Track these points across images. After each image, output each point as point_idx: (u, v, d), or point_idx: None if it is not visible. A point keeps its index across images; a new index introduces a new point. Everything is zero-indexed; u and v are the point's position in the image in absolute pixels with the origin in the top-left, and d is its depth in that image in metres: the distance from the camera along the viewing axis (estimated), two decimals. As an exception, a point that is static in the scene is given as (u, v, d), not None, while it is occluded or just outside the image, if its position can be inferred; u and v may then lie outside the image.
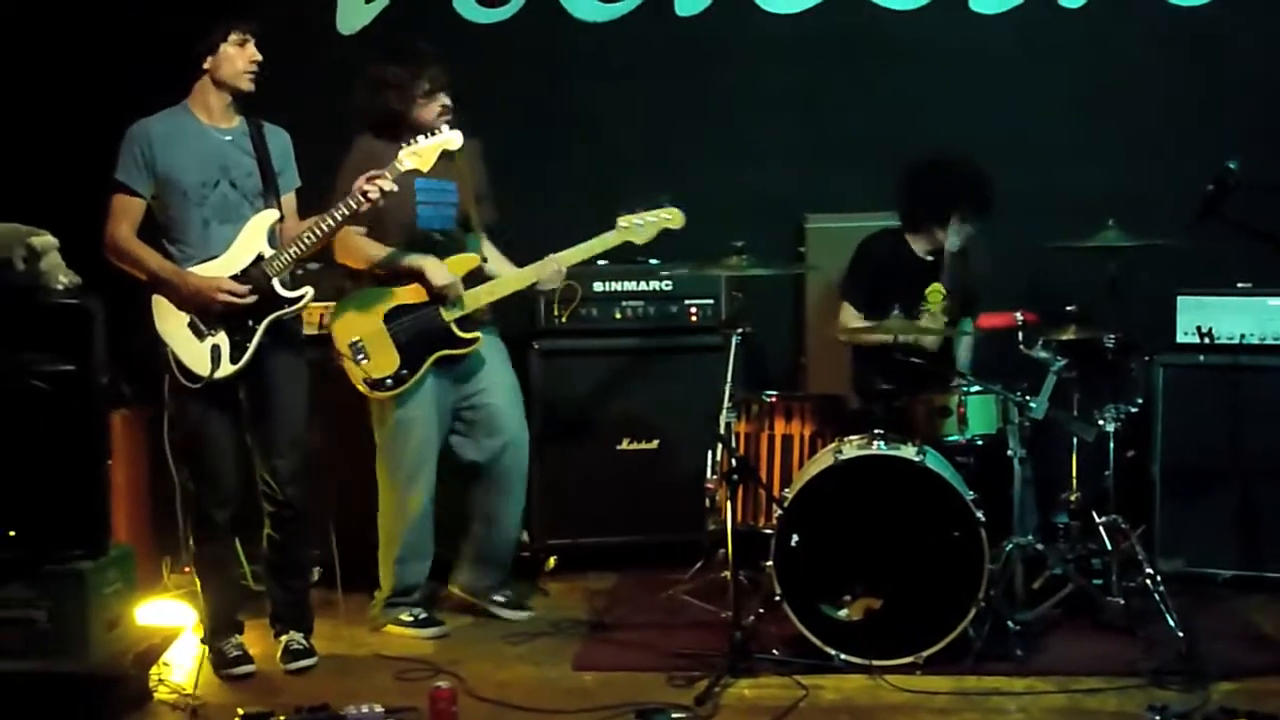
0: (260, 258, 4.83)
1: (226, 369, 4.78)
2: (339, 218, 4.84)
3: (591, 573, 6.12)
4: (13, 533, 4.50)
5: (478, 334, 5.39)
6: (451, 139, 5.00)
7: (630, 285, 6.18)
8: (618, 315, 6.20)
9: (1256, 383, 5.72)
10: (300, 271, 5.10)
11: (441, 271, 5.28)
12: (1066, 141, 6.55)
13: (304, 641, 5.09)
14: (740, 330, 5.45)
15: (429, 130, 5.06)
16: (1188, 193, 5.05)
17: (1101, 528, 5.37)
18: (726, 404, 5.32)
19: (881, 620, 4.87)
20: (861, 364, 5.88)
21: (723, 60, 6.75)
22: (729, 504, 5.11)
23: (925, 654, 4.82)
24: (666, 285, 6.19)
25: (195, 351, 4.77)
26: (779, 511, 4.96)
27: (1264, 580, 5.68)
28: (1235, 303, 5.85)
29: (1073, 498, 5.50)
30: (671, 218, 5.36)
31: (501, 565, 5.65)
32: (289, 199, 5.03)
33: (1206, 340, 5.82)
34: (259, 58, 4.84)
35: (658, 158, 6.63)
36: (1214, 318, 5.83)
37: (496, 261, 5.55)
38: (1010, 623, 5.00)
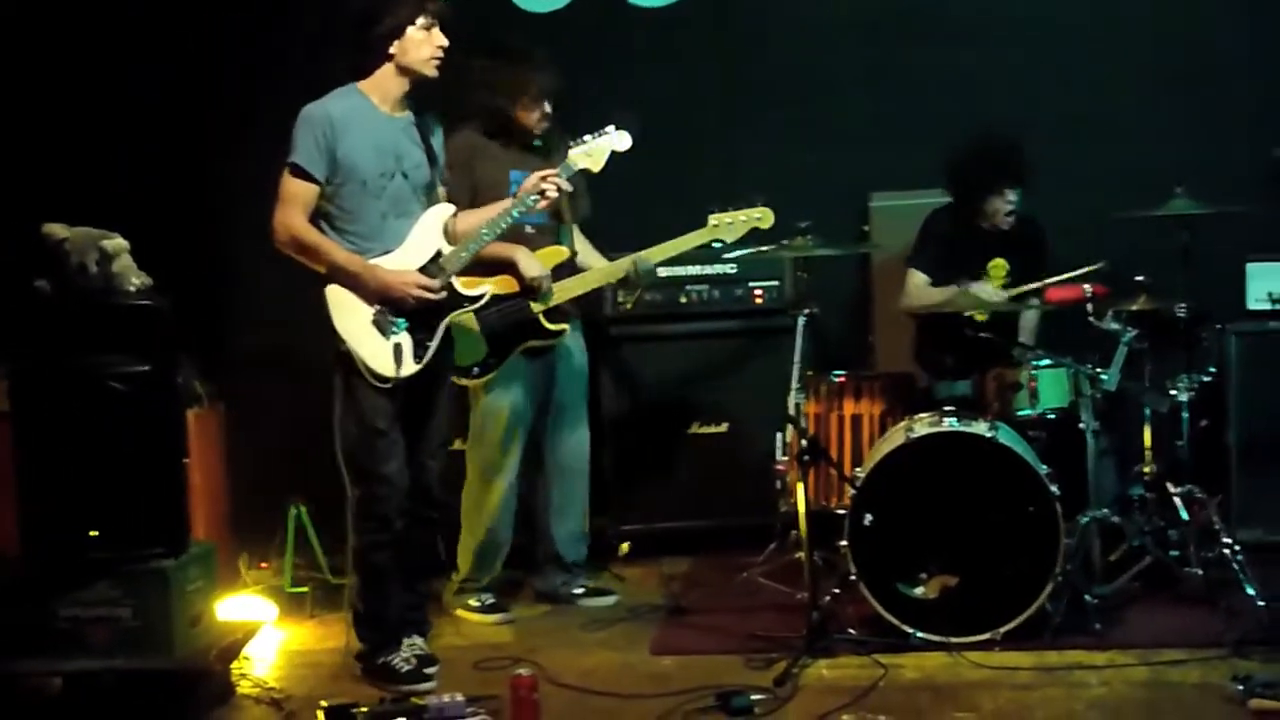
0: (439, 254, 4.73)
1: (410, 368, 4.63)
2: (514, 216, 4.80)
3: (666, 557, 6.12)
4: (95, 533, 4.55)
5: (565, 325, 5.43)
6: (620, 140, 4.94)
7: (695, 269, 6.17)
8: (683, 300, 6.19)
9: (1329, 347, 5.64)
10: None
11: (533, 263, 5.30)
12: (1134, 111, 6.46)
13: (426, 647, 4.90)
14: (807, 311, 5.43)
15: (529, 132, 5.26)
16: (1256, 159, 4.99)
17: (1177, 499, 5.31)
18: (795, 385, 5.31)
19: (958, 597, 4.85)
20: (927, 340, 5.86)
21: (783, 41, 6.71)
22: (801, 485, 5.09)
23: (1003, 630, 4.80)
24: (731, 268, 6.17)
25: (380, 350, 4.61)
26: (852, 491, 4.95)
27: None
28: (1307, 268, 5.76)
29: (1148, 469, 5.43)
30: (763, 217, 5.35)
31: (575, 559, 5.67)
32: (444, 191, 4.95)
33: (1278, 307, 5.75)
34: (445, 42, 4.67)
35: (720, 141, 6.62)
36: (1286, 284, 5.75)
37: (587, 255, 5.58)
38: (1088, 596, 4.97)
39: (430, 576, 5.19)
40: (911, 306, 5.81)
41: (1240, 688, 4.25)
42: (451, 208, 4.84)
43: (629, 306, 6.14)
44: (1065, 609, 4.89)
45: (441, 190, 4.90)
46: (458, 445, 5.52)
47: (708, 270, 6.18)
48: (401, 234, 4.70)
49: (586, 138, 4.92)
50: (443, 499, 4.98)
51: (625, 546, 6.21)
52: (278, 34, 6.58)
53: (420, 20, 4.61)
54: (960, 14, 6.61)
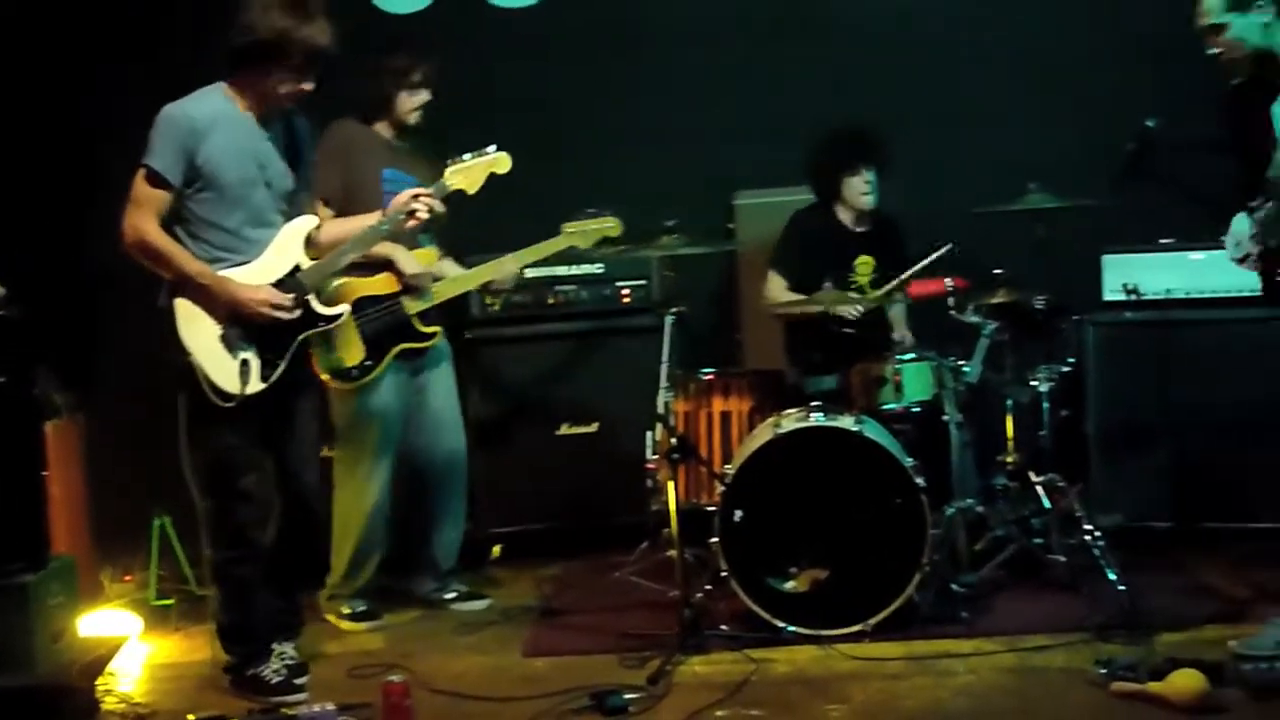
0: (298, 268, 4.57)
1: (256, 386, 4.48)
2: (381, 232, 4.68)
3: (538, 559, 6.11)
4: (-49, 549, 4.42)
5: (438, 328, 5.39)
6: (499, 160, 4.82)
7: (562, 270, 6.16)
8: (551, 300, 6.19)
9: (1183, 336, 5.78)
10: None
11: (412, 262, 5.27)
12: (989, 108, 6.57)
13: (297, 655, 4.80)
14: (674, 310, 5.50)
15: (404, 122, 5.24)
16: (1111, 153, 5.10)
17: (1039, 487, 5.42)
18: (664, 383, 5.37)
19: (828, 590, 4.90)
20: (796, 338, 5.91)
21: (648, 41, 6.74)
22: (671, 483, 5.11)
23: (873, 621, 4.85)
24: (598, 268, 6.18)
25: (225, 366, 4.45)
26: (721, 488, 4.98)
27: (1200, 531, 5.74)
28: (1160, 259, 5.91)
29: (1010, 459, 5.54)
30: (613, 226, 5.36)
31: (448, 565, 5.64)
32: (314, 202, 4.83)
33: (1133, 297, 5.89)
34: (309, 87, 4.51)
35: (585, 142, 6.61)
36: (1140, 274, 5.89)
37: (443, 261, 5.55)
38: (955, 586, 5.06)
39: (306, 584, 5.12)
40: (769, 309, 5.86)
41: (1103, 671, 4.34)
42: (314, 220, 4.69)
43: (497, 308, 6.13)
44: (933, 599, 4.97)
45: (310, 199, 4.80)
46: (325, 452, 5.45)
47: (575, 271, 6.18)
48: (260, 245, 4.55)
49: (465, 156, 4.80)
50: (319, 507, 4.91)
51: (497, 550, 6.19)
52: (148, 33, 6.45)
53: (297, 59, 4.42)
54: (822, 12, 6.68)
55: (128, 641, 5.09)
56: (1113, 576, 5.06)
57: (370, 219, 4.76)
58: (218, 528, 4.62)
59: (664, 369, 5.37)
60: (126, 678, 4.99)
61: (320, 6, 4.46)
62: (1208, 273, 5.83)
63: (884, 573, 4.87)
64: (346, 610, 5.46)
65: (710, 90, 6.72)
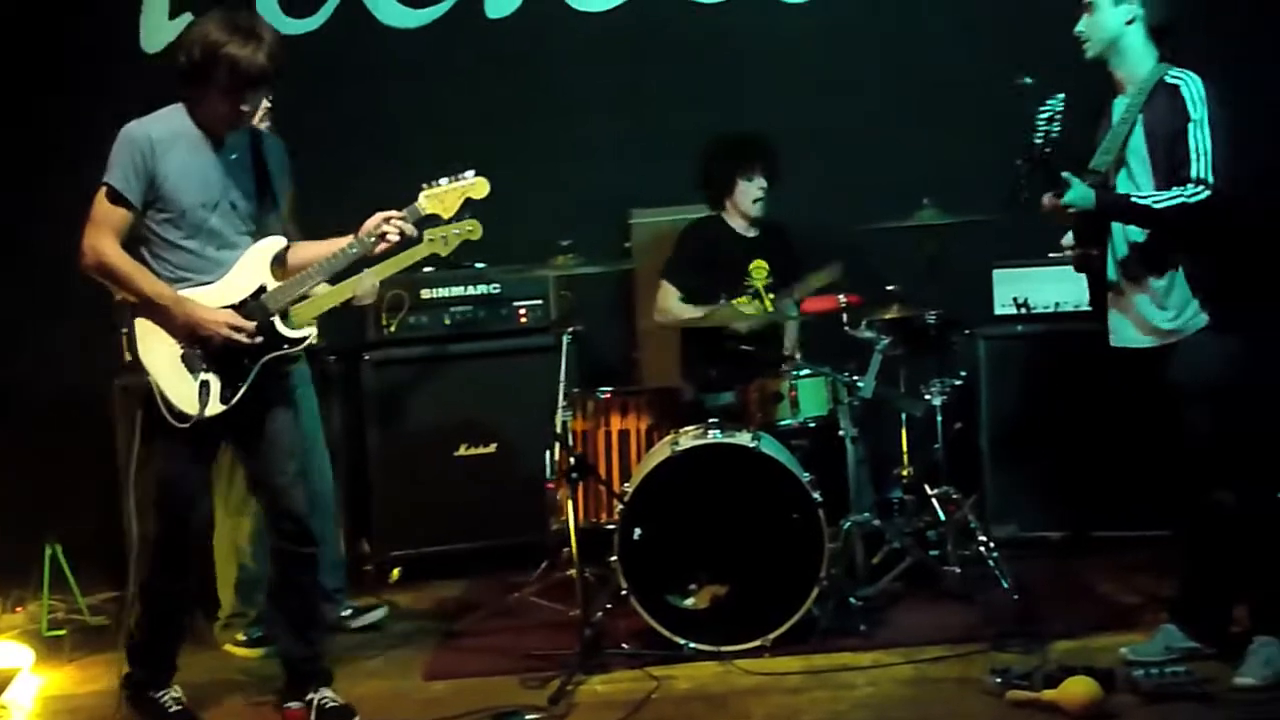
0: (262, 289, 4.46)
1: (216, 408, 4.34)
2: (351, 254, 4.53)
3: (438, 581, 6.08)
4: None
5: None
6: (476, 185, 4.72)
7: (458, 290, 6.16)
8: (447, 321, 6.16)
9: (1073, 348, 5.83)
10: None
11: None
12: (883, 124, 6.66)
13: (338, 698, 4.59)
14: (571, 329, 5.50)
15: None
16: (1001, 168, 5.16)
17: (934, 499, 5.52)
18: (562, 403, 5.36)
19: (728, 606, 4.92)
20: (692, 354, 5.95)
21: (538, 61, 6.77)
22: (570, 502, 5.13)
23: (772, 636, 4.88)
24: (495, 288, 6.19)
25: (184, 387, 4.33)
26: (620, 506, 4.99)
27: (1090, 539, 5.85)
28: (1048, 272, 6.01)
29: (905, 472, 5.64)
30: (473, 229, 5.30)
31: (337, 586, 5.58)
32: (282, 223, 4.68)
33: (1024, 310, 6.01)
34: (247, 108, 4.39)
35: (479, 162, 6.56)
36: (1029, 288, 6.03)
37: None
38: (853, 599, 5.11)
39: (320, 619, 4.91)
40: (661, 322, 5.90)
41: (998, 680, 4.40)
42: (282, 241, 4.56)
43: (392, 330, 6.11)
44: (832, 612, 5.01)
45: (281, 221, 4.67)
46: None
47: (472, 291, 6.18)
48: (225, 266, 4.45)
49: (441, 181, 4.69)
50: (317, 531, 4.70)
51: (396, 572, 6.15)
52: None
53: (224, 79, 4.30)
54: (716, 30, 6.75)
55: (20, 673, 5.00)
56: (1006, 586, 5.16)
57: (341, 242, 4.60)
58: (153, 550, 4.50)
59: (561, 388, 5.37)
60: (19, 711, 4.90)
61: (264, 29, 4.37)
62: (1095, 286, 5.93)
63: (782, 587, 4.90)
64: (242, 637, 5.40)
65: (604, 109, 6.77)
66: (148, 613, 4.59)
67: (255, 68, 4.29)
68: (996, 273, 6.09)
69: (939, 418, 5.56)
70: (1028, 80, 4.51)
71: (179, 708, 4.59)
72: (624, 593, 4.93)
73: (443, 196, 4.65)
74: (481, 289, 6.17)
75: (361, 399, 5.96)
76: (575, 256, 5.48)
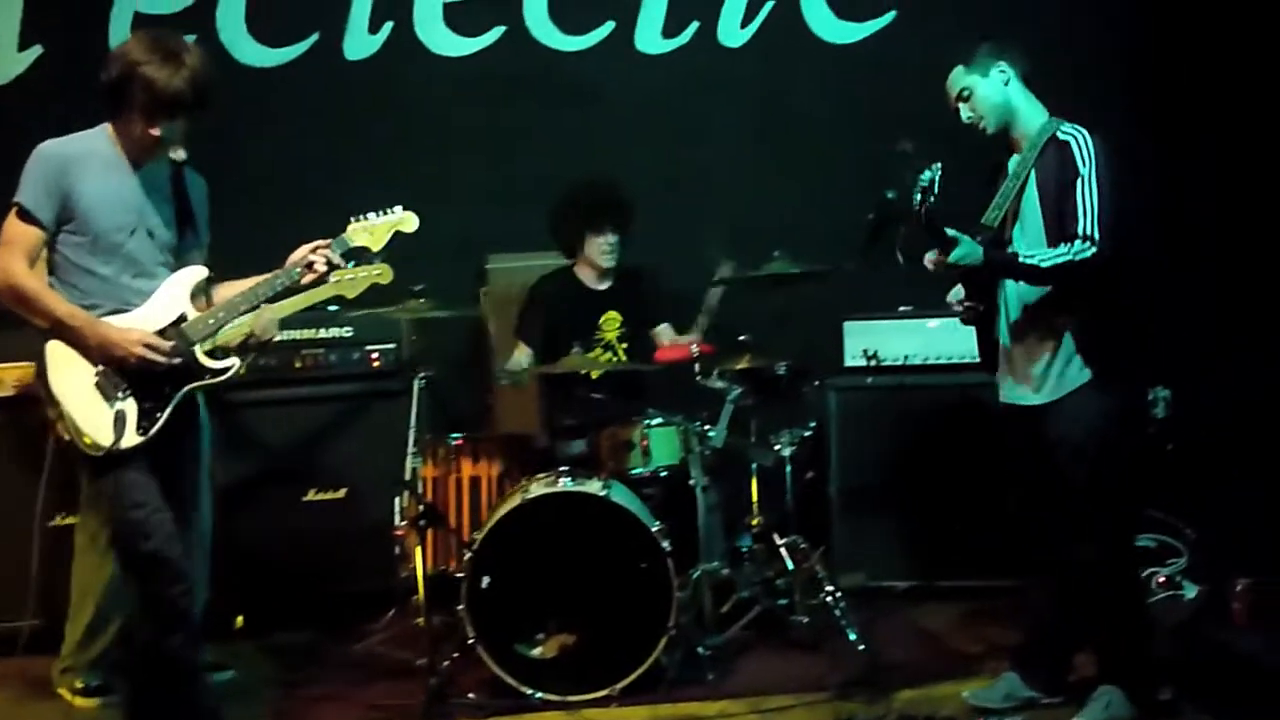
0: (183, 318, 4.32)
1: (131, 439, 4.15)
2: (277, 287, 4.43)
3: (282, 628, 5.96)
4: None
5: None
6: (405, 219, 4.68)
7: (309, 332, 6.07)
8: (298, 364, 6.07)
9: (920, 401, 6.02)
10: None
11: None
12: (735, 176, 6.79)
13: None
14: (423, 373, 5.47)
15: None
16: (853, 220, 5.25)
17: (784, 549, 5.56)
18: (411, 449, 5.32)
19: (576, 655, 4.92)
20: (547, 401, 5.95)
21: (396, 103, 6.76)
22: (418, 550, 5.09)
23: (620, 685, 4.88)
24: (347, 331, 6.10)
25: (96, 416, 4.15)
26: (468, 554, 4.96)
27: (936, 589, 5.95)
28: (898, 325, 6.15)
29: (755, 521, 5.67)
30: (382, 273, 5.27)
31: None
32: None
33: (873, 363, 6.12)
34: (157, 133, 4.23)
35: (334, 204, 6.49)
36: (880, 341, 6.13)
37: None
38: (701, 648, 5.13)
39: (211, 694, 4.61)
40: (503, 381, 5.93)
41: (843, 729, 4.46)
42: (204, 271, 4.44)
43: (242, 372, 5.97)
44: (680, 661, 5.03)
45: (203, 258, 4.53)
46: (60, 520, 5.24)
47: (323, 334, 6.09)
48: (144, 295, 4.30)
49: (370, 215, 4.67)
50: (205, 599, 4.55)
51: (240, 620, 6.02)
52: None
53: (141, 98, 4.18)
54: (568, 81, 6.82)
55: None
56: (853, 636, 5.21)
57: (268, 275, 4.49)
58: (138, 603, 4.26)
59: (412, 433, 5.33)
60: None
61: (189, 54, 4.22)
62: (943, 340, 6.08)
63: (631, 636, 4.91)
64: (80, 684, 5.24)
65: (462, 153, 6.78)
66: (156, 679, 4.29)
67: (170, 91, 4.16)
68: (847, 325, 6.19)
69: (789, 467, 5.61)
70: (908, 147, 4.59)
71: None
72: (471, 642, 4.90)
73: (372, 229, 4.64)
74: (333, 331, 6.09)
75: (212, 441, 5.82)
76: (429, 300, 5.45)
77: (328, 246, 4.50)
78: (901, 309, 6.17)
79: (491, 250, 6.57)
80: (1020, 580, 4.80)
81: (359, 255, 4.70)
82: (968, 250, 4.36)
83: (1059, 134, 4.43)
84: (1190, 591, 5.58)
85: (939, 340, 6.10)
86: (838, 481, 6.09)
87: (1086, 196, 4.31)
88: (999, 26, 4.72)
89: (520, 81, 6.80)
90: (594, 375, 5.72)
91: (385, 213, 4.69)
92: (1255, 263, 6.27)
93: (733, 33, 6.87)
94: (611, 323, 5.92)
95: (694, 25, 6.85)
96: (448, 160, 6.73)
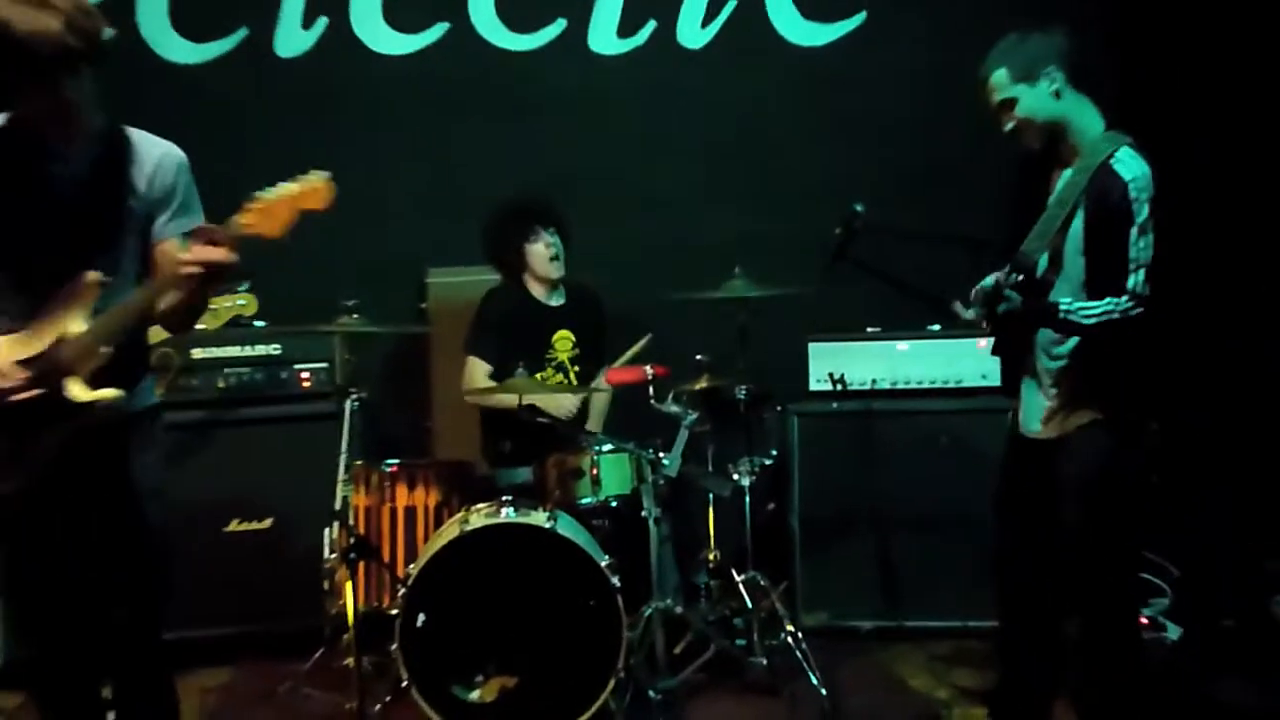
0: (61, 340, 3.73)
1: None
2: (152, 293, 3.78)
3: (203, 668, 5.86)
4: None
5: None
6: (309, 192, 3.81)
7: (234, 350, 6.01)
8: (221, 384, 6.01)
9: (889, 428, 6.00)
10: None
11: None
12: (692, 187, 6.79)
13: None
14: (356, 395, 5.41)
15: None
16: (816, 237, 5.23)
17: (742, 585, 5.54)
18: (343, 476, 5.27)
19: (517, 699, 4.88)
20: (490, 426, 5.91)
21: (331, 104, 6.72)
22: (349, 585, 5.04)
23: (565, 731, 4.84)
24: (275, 349, 6.05)
25: None
26: (403, 590, 4.92)
27: (903, 630, 5.93)
28: (866, 348, 6.14)
29: (712, 556, 5.66)
30: (246, 303, 5.19)
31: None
32: (169, 247, 3.89)
33: (839, 387, 6.10)
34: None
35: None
36: (846, 364, 6.11)
37: None
38: (652, 691, 5.09)
39: None
40: (473, 400, 5.83)
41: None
42: (97, 276, 3.75)
43: (159, 393, 5.91)
44: (629, 706, 5.00)
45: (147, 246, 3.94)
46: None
47: (249, 352, 6.03)
48: (37, 310, 3.75)
49: (268, 191, 3.80)
50: (150, 663, 4.27)
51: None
52: None
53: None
54: (517, 83, 6.79)
55: None
56: (815, 680, 5.18)
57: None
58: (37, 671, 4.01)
59: (343, 459, 5.28)
60: None
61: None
62: (914, 363, 6.09)
63: (577, 679, 4.88)
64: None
65: (403, 159, 6.75)
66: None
67: (45, 39, 3.59)
68: (812, 346, 6.16)
69: (748, 498, 5.58)
70: (858, 208, 4.56)
71: None
72: (405, 684, 4.84)
73: (269, 209, 3.72)
74: (259, 349, 6.03)
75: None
76: (364, 317, 5.41)
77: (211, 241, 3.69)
78: (870, 330, 6.17)
79: (432, 263, 6.53)
80: (997, 621, 4.71)
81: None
82: (1010, 303, 4.21)
83: (1115, 164, 4.18)
84: (1174, 633, 5.59)
85: (909, 363, 6.10)
86: (800, 513, 6.06)
87: (1140, 248, 4.13)
88: (975, 29, 4.64)
89: (465, 83, 6.76)
90: (563, 416, 5.69)
91: (291, 182, 3.83)
92: (1243, 274, 6.25)
93: (693, 33, 6.86)
94: (564, 342, 5.88)
95: (651, 25, 6.84)
96: (386, 166, 6.70)
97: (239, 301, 5.00)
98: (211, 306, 4.65)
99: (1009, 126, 4.32)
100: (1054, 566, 4.39)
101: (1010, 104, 4.28)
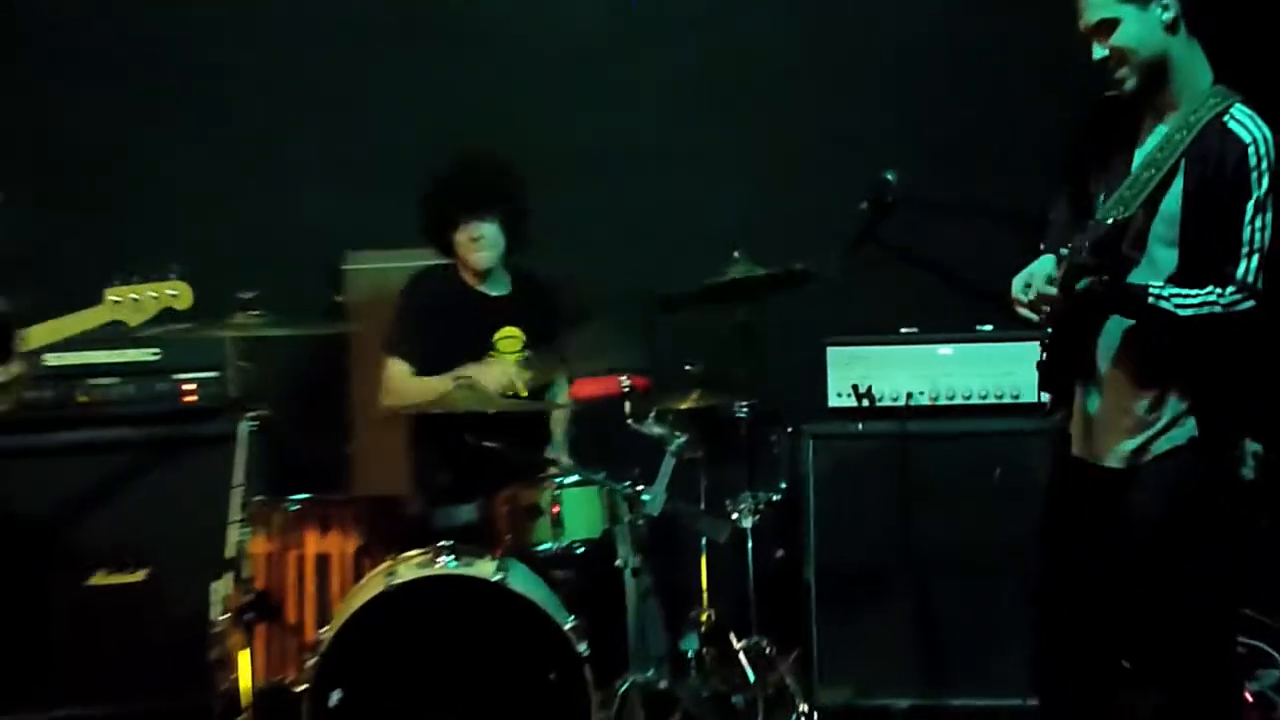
0: None
1: None
2: None
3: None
4: None
5: None
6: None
7: (98, 356, 5.97)
8: (81, 399, 5.97)
9: (929, 454, 5.95)
10: None
11: None
12: (681, 146, 6.76)
13: None
14: (254, 413, 5.34)
15: None
16: (837, 213, 5.18)
17: (743, 654, 5.53)
18: (237, 515, 5.20)
19: (458, 796, 4.86)
20: (422, 452, 5.85)
21: (227, 53, 6.68)
22: (245, 653, 5.02)
23: (517, 837, 4.82)
24: (151, 354, 6.01)
25: None
26: (313, 660, 4.86)
27: (948, 710, 5.89)
28: (899, 353, 6.10)
29: (705, 616, 5.65)
30: (179, 294, 5.16)
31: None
32: None
33: (866, 403, 6.04)
34: None
35: (147, 182, 6.48)
36: (874, 373, 6.07)
37: None
38: (628, 789, 5.06)
39: None
40: (395, 405, 5.75)
41: None
42: None
43: (5, 408, 5.86)
44: (600, 806, 4.96)
45: None
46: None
47: (117, 358, 6.00)
48: None
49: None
50: None
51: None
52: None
53: None
54: (471, 24, 6.79)
55: None
56: (836, 774, 5.15)
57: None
58: None
59: (237, 494, 5.21)
60: None
61: None
62: (959, 372, 6.06)
63: (533, 771, 4.85)
64: None
65: (314, 117, 6.73)
66: None
67: None
68: (831, 351, 6.12)
69: (750, 543, 5.57)
70: (889, 177, 4.58)
71: None
72: (313, 778, 4.81)
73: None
74: (131, 355, 5.99)
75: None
76: (264, 314, 5.33)
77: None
78: (904, 330, 6.13)
79: (350, 247, 6.49)
80: (1060, 699, 4.67)
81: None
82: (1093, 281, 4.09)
83: (1230, 120, 4.13)
84: (1287, 711, 5.57)
85: (953, 373, 6.08)
86: (816, 563, 6.00)
87: (1257, 229, 4.08)
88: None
89: (393, 24, 6.74)
90: (489, 412, 5.60)
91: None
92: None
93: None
94: (510, 341, 5.82)
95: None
96: (292, 127, 6.68)
97: (169, 291, 4.91)
98: (132, 296, 4.63)
99: (1099, 55, 4.22)
100: (1119, 623, 4.38)
101: (1109, 26, 4.18)
